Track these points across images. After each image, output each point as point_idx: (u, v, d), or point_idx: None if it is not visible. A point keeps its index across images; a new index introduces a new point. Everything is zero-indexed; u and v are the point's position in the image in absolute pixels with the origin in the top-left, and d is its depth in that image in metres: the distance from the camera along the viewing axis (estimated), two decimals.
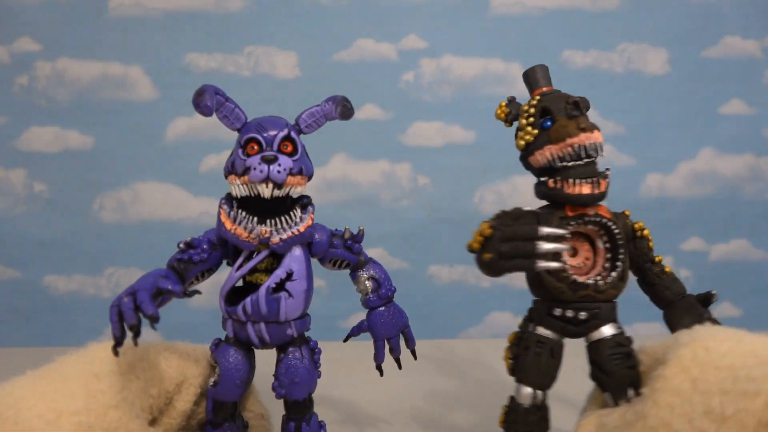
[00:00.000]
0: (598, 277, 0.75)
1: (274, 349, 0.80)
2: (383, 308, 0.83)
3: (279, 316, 0.75)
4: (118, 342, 0.65)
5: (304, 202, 0.79)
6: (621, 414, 0.68)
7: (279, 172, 0.72)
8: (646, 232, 0.79)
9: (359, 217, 1.65)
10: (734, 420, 0.55)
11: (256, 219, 0.74)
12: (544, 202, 0.79)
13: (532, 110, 0.78)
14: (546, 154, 0.76)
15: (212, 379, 0.78)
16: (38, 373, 0.66)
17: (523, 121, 0.79)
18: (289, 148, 0.75)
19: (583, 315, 0.75)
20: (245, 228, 0.74)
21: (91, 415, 0.63)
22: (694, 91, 1.70)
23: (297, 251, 0.76)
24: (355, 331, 0.84)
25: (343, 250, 0.81)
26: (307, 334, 0.82)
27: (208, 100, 0.73)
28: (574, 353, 0.79)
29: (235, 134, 0.78)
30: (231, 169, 0.74)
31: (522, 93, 0.84)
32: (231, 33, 1.65)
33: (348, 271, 0.84)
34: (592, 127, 0.74)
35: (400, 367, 0.86)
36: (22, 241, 1.64)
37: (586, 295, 0.75)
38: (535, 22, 1.68)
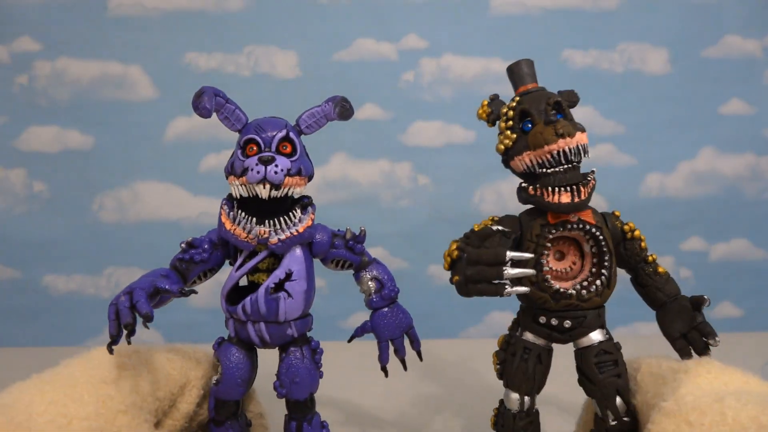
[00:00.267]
0: (585, 283, 0.74)
1: (277, 348, 0.80)
2: (386, 309, 0.82)
3: (278, 316, 0.75)
4: (114, 340, 0.66)
5: (304, 203, 0.79)
6: None
7: (276, 173, 0.72)
8: (637, 233, 0.77)
9: (359, 217, 1.64)
10: None
11: (254, 219, 0.74)
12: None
13: (511, 113, 0.76)
14: (525, 160, 0.73)
15: (215, 378, 0.79)
16: (46, 378, 0.66)
17: (502, 125, 0.76)
18: (288, 149, 0.75)
19: (568, 323, 0.74)
20: (244, 228, 0.74)
21: (100, 420, 0.63)
22: (694, 90, 1.70)
23: (297, 251, 0.76)
24: (359, 332, 0.83)
25: (344, 251, 0.81)
26: (309, 334, 0.82)
27: (206, 102, 0.73)
28: (573, 357, 0.79)
29: (236, 134, 0.78)
30: (230, 170, 0.75)
31: None
32: (231, 33, 1.65)
33: (352, 271, 0.84)
34: (572, 131, 0.71)
35: (405, 368, 0.84)
36: (21, 241, 1.63)
37: (570, 304, 0.74)
38: (535, 22, 1.68)
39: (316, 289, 0.80)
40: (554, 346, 0.79)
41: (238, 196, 0.74)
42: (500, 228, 0.73)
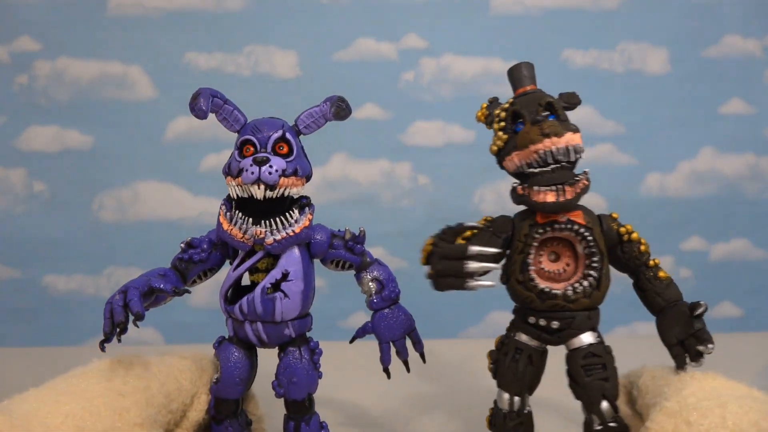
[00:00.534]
0: (576, 285, 0.73)
1: (277, 348, 0.80)
2: (387, 310, 0.82)
3: (275, 316, 0.75)
4: (107, 338, 0.67)
5: (302, 203, 0.79)
6: None
7: (270, 173, 0.72)
8: (635, 235, 0.75)
9: (359, 217, 1.64)
10: None
11: (251, 220, 0.74)
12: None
13: (503, 114, 0.76)
14: (514, 160, 0.74)
15: (215, 376, 0.79)
16: (61, 388, 0.66)
17: (495, 126, 0.77)
18: (284, 149, 0.75)
19: (555, 324, 0.74)
20: (240, 229, 0.74)
21: None
22: (694, 90, 1.70)
23: (295, 252, 0.76)
24: (360, 333, 0.83)
25: (343, 251, 0.80)
26: (309, 333, 0.82)
27: (202, 104, 0.73)
28: None
29: (236, 134, 0.78)
30: (227, 171, 0.75)
31: None
32: (231, 32, 1.64)
33: (353, 272, 0.83)
34: (560, 131, 0.71)
35: (408, 369, 0.84)
36: (21, 241, 1.63)
37: (556, 304, 0.73)
38: (535, 22, 1.67)
39: (316, 289, 0.80)
40: (557, 349, 0.78)
41: (235, 197, 0.75)
42: (471, 224, 0.76)
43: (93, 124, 1.63)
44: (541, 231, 0.74)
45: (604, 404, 0.72)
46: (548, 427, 0.91)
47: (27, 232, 1.64)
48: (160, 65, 1.64)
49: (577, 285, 0.73)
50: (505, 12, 1.67)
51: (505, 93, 0.82)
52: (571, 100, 0.78)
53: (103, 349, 0.68)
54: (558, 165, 0.72)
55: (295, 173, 0.74)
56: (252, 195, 0.73)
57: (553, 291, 0.73)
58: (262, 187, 0.72)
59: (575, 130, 0.72)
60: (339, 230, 0.82)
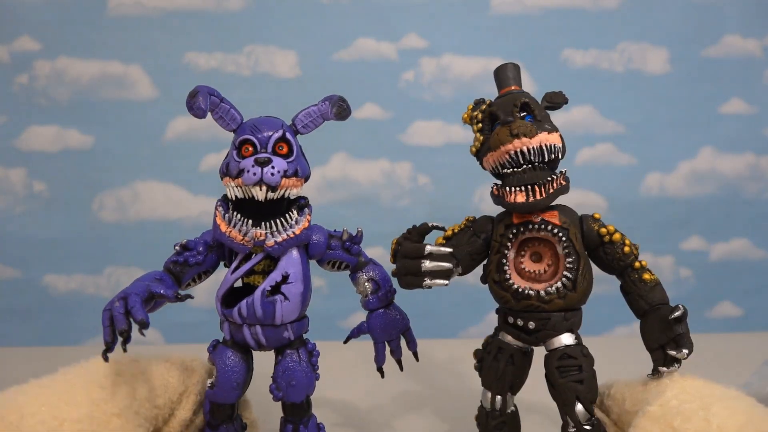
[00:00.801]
0: (549, 287, 0.72)
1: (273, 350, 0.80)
2: (383, 310, 0.82)
3: (275, 319, 0.74)
4: (109, 347, 0.65)
5: (301, 204, 0.78)
6: None
7: (272, 174, 0.71)
8: (616, 236, 0.73)
9: (359, 217, 1.64)
10: None
11: (250, 221, 0.73)
12: None
13: (480, 116, 0.77)
14: (490, 161, 0.75)
15: (210, 381, 0.78)
16: (43, 383, 0.66)
17: (473, 127, 0.78)
18: (284, 150, 0.74)
19: (532, 324, 0.74)
20: (240, 231, 0.73)
21: (93, 423, 0.63)
22: (694, 90, 1.70)
23: (294, 254, 0.75)
24: (355, 333, 0.84)
25: (341, 252, 0.80)
26: (306, 334, 0.81)
27: (201, 102, 0.72)
28: None
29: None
30: (225, 171, 0.74)
31: None
32: (231, 32, 1.64)
33: (348, 272, 0.83)
34: (530, 132, 0.71)
35: (401, 369, 0.85)
36: (21, 241, 1.63)
37: (530, 305, 0.73)
38: (535, 21, 1.68)
39: (314, 288, 0.80)
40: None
41: (234, 198, 0.73)
42: (435, 225, 0.79)
43: (93, 124, 1.63)
44: (515, 231, 0.75)
45: (579, 407, 0.71)
46: (536, 429, 0.90)
47: (27, 232, 1.64)
48: (160, 65, 1.64)
49: (549, 287, 0.73)
50: (505, 12, 1.67)
51: None
52: (555, 100, 0.77)
53: (106, 359, 0.66)
54: (530, 165, 0.72)
55: (295, 174, 0.74)
56: (253, 196, 0.72)
57: (528, 291, 0.73)
58: (264, 188, 0.71)
59: (551, 130, 0.72)
60: (335, 230, 0.81)
